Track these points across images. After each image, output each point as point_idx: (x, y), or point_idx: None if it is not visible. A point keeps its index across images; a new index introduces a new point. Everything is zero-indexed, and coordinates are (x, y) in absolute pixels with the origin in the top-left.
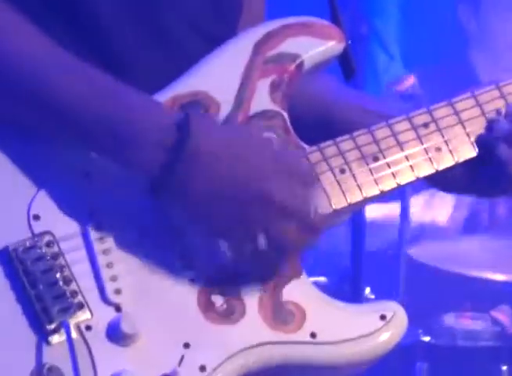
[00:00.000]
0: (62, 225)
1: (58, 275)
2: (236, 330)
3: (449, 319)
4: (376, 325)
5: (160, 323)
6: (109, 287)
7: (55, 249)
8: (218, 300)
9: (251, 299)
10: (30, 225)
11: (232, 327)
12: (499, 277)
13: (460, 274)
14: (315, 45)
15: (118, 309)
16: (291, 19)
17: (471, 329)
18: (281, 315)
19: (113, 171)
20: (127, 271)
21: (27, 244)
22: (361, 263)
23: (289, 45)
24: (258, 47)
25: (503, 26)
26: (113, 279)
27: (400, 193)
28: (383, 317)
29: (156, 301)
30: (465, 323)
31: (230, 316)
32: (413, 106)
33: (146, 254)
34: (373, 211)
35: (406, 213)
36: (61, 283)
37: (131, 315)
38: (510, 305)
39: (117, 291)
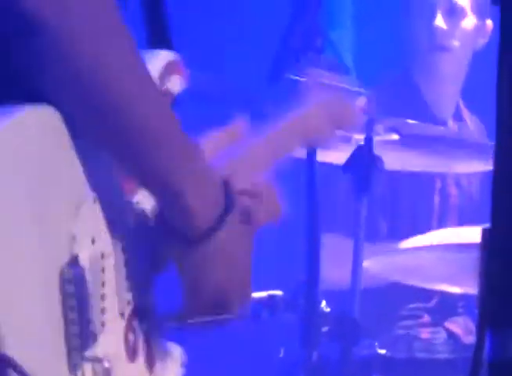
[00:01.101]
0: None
1: None
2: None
3: (406, 332)
4: None
5: None
6: None
7: None
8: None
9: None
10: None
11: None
12: (456, 290)
13: (416, 287)
14: None
15: None
16: None
17: (428, 341)
18: None
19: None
20: None
21: None
22: (316, 276)
23: None
24: None
25: None
26: None
27: None
28: None
29: None
30: (421, 335)
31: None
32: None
33: None
34: None
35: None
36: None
37: None
38: (465, 317)
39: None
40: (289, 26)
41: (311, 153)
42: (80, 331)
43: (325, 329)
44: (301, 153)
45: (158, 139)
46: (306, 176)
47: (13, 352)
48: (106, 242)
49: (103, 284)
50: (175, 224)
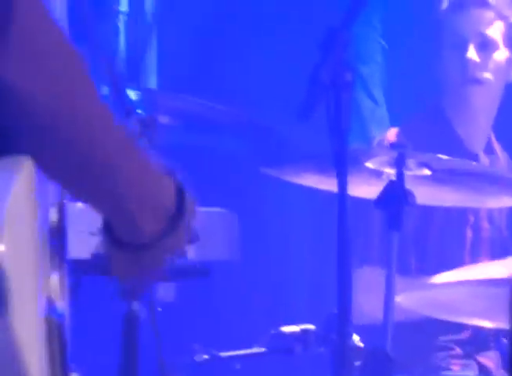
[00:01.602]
0: None
1: None
2: None
3: (438, 366)
4: None
5: None
6: None
7: None
8: None
9: None
10: None
11: None
12: (487, 324)
13: (448, 321)
14: None
15: None
16: None
17: (459, 374)
18: None
19: None
20: None
21: None
22: (348, 310)
23: None
24: None
25: None
26: None
27: None
28: None
29: None
30: (453, 367)
31: None
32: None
33: None
34: None
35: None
36: None
37: None
38: (497, 351)
39: None
40: (318, 60)
41: (343, 187)
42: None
43: (357, 363)
44: (332, 187)
45: (117, 171)
46: (338, 210)
47: None
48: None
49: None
50: (120, 235)
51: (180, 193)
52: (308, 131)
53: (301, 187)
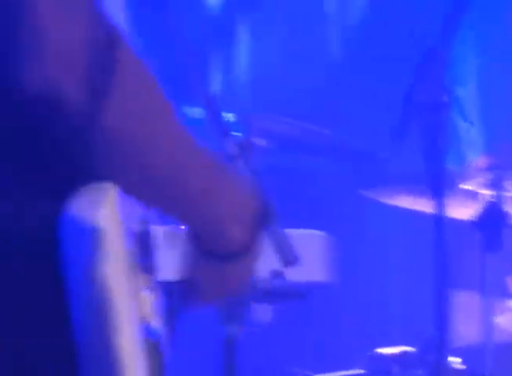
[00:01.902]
0: None
1: None
2: None
3: None
4: None
5: None
6: None
7: None
8: None
9: None
10: None
11: None
12: None
13: None
14: None
15: None
16: None
17: None
18: None
19: None
20: None
21: None
22: (447, 332)
23: None
24: None
25: None
26: None
27: None
28: None
29: None
30: None
31: None
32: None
33: None
34: None
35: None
36: None
37: None
38: None
39: None
40: (414, 82)
41: (440, 209)
42: None
43: None
44: (427, 208)
45: (207, 192)
46: (434, 231)
47: None
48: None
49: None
50: (207, 246)
51: (264, 210)
52: (404, 152)
53: (396, 208)
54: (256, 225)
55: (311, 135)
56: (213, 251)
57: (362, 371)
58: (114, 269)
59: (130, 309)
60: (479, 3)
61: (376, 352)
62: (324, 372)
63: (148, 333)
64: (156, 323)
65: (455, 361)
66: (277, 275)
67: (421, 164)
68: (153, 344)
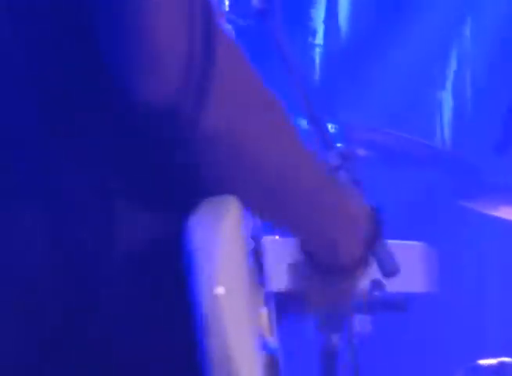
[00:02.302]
0: None
1: None
2: None
3: None
4: None
5: None
6: None
7: None
8: None
9: None
10: None
11: None
12: None
13: None
14: None
15: None
16: None
17: None
18: None
19: None
20: None
21: None
22: None
23: None
24: None
25: None
26: None
27: None
28: None
29: None
30: None
31: None
32: None
33: None
34: None
35: None
36: None
37: None
38: None
39: None
40: None
41: None
42: None
43: None
44: None
45: (322, 207)
46: None
47: None
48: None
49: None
50: (319, 259)
51: (375, 222)
52: (506, 163)
53: (497, 219)
54: (368, 239)
55: (413, 145)
56: (325, 265)
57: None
58: (235, 284)
59: (248, 326)
60: None
61: (475, 364)
62: None
63: (265, 347)
64: (272, 337)
65: None
66: (377, 286)
67: None
68: (270, 358)
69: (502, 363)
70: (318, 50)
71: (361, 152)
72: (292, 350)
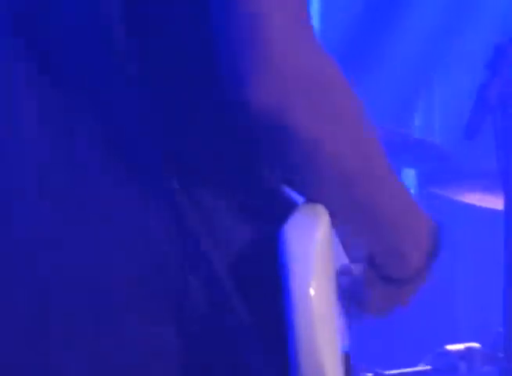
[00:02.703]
0: None
1: None
2: None
3: None
4: None
5: None
6: None
7: None
8: None
9: None
10: None
11: None
12: None
13: None
14: None
15: None
16: None
17: None
18: None
19: None
20: None
21: None
22: None
23: None
24: None
25: None
26: None
27: None
28: None
29: None
30: None
31: None
32: None
33: None
34: None
35: None
36: None
37: None
38: None
39: None
40: (485, 78)
41: (510, 205)
42: None
43: None
44: (497, 205)
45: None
46: (504, 228)
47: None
48: None
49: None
50: (383, 267)
51: (434, 232)
52: (474, 149)
53: (467, 206)
54: (431, 249)
55: (381, 131)
56: (388, 275)
57: (428, 368)
58: (324, 289)
59: (332, 328)
60: None
61: (444, 349)
62: (392, 368)
63: (342, 346)
64: (346, 339)
65: None
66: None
67: (492, 161)
68: (345, 357)
69: (469, 349)
70: None
71: None
72: None
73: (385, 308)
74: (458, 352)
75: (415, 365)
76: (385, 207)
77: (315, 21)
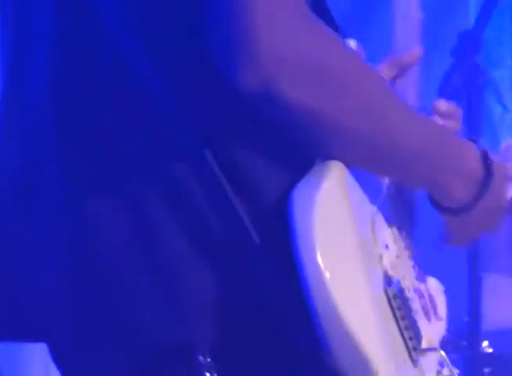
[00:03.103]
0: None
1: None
2: None
3: None
4: None
5: None
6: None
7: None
8: None
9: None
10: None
11: None
12: None
13: None
14: None
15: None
16: None
17: None
18: None
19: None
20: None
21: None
22: (478, 316)
23: None
24: None
25: None
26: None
27: None
28: None
29: None
30: None
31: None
32: None
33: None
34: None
35: None
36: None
37: None
38: None
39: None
40: (451, 64)
41: None
42: (413, 333)
43: (487, 370)
44: None
45: (431, 158)
46: None
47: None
48: (390, 240)
49: (403, 278)
50: (438, 201)
51: (485, 159)
52: None
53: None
54: (480, 174)
55: None
56: (443, 206)
57: None
58: (336, 246)
59: (358, 277)
60: None
61: None
62: None
63: (389, 284)
64: (401, 276)
65: (484, 345)
66: None
67: None
68: (393, 293)
69: None
70: None
71: None
72: None
73: (461, 238)
74: None
75: None
76: (405, 144)
77: None
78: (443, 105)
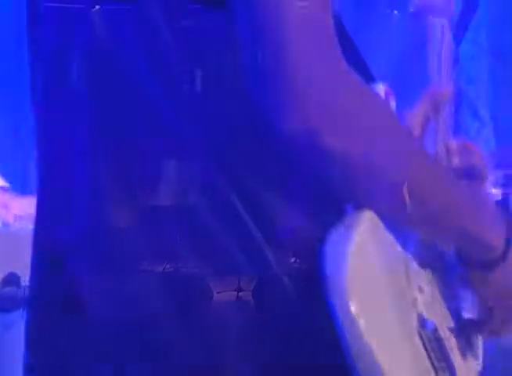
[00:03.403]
0: None
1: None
2: None
3: None
4: None
5: None
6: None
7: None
8: None
9: None
10: None
11: None
12: None
13: None
14: None
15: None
16: None
17: None
18: None
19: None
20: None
21: None
22: None
23: None
24: None
25: None
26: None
27: None
28: None
29: None
30: None
31: None
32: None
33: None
34: None
35: None
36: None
37: None
38: None
39: None
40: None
41: None
42: (449, 374)
43: None
44: None
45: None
46: None
47: None
48: (424, 282)
49: (438, 318)
50: (469, 256)
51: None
52: None
53: None
54: (503, 230)
55: None
56: (479, 262)
57: None
58: (370, 293)
59: (392, 318)
60: (490, 2)
61: None
62: None
63: (424, 326)
64: (435, 318)
65: None
66: None
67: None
68: (426, 334)
69: None
70: None
71: None
72: None
73: (490, 292)
74: None
75: None
76: (454, 203)
77: None
78: (453, 145)
